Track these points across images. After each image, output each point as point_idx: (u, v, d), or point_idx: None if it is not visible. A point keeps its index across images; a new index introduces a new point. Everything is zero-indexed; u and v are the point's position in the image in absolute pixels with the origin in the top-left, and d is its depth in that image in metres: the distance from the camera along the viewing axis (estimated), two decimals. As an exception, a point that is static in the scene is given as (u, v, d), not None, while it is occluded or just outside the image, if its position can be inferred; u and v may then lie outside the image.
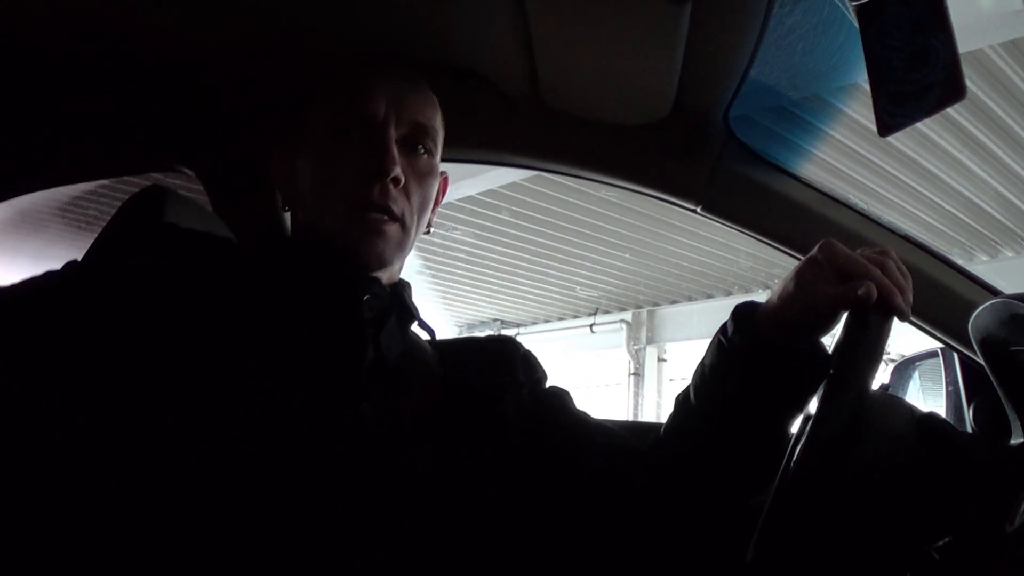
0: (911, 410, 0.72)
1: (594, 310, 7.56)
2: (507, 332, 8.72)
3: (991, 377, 0.89)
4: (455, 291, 7.14)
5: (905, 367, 1.62)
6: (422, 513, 0.70)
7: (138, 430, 0.62)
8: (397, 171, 0.76)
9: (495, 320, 8.67)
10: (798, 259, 1.08)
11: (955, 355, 1.12)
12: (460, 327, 8.98)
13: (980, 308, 0.85)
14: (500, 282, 6.79)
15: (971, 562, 0.70)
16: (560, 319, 8.10)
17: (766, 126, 1.21)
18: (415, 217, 0.81)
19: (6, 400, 0.63)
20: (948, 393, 1.20)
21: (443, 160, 0.87)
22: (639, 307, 7.32)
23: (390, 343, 0.77)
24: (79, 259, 0.74)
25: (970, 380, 1.10)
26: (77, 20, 0.83)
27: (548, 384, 0.91)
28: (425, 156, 0.83)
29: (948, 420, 0.79)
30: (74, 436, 0.62)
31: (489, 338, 0.94)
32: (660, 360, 7.52)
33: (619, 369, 8.09)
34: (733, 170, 1.05)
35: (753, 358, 0.72)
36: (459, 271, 6.44)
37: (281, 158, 0.85)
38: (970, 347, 0.92)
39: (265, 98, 1.02)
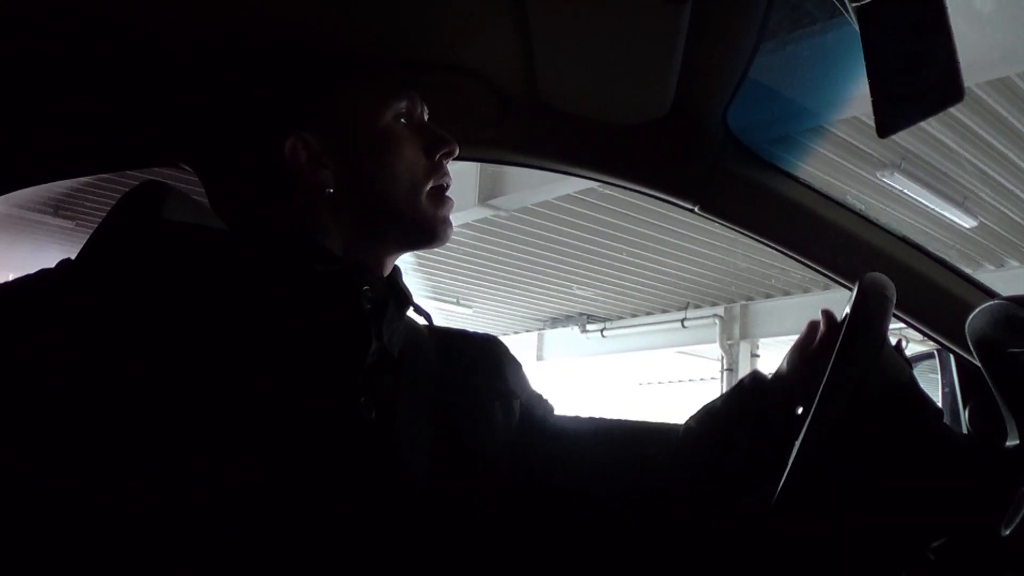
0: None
1: (685, 304, 7.35)
2: (592, 327, 8.51)
3: (987, 379, 0.90)
4: (538, 285, 6.90)
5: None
6: (419, 509, 0.70)
7: (137, 433, 0.61)
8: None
9: (581, 315, 8.37)
10: (795, 259, 1.09)
11: (951, 356, 1.12)
12: (543, 322, 8.71)
13: (977, 310, 0.85)
14: (587, 275, 6.56)
15: (967, 563, 0.70)
16: (648, 313, 7.88)
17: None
18: None
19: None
20: (944, 395, 1.20)
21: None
22: (732, 301, 7.14)
23: (392, 333, 0.77)
24: (72, 257, 0.72)
25: (966, 382, 1.10)
26: (73, 14, 0.82)
27: (536, 398, 0.93)
28: None
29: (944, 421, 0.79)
30: (73, 438, 0.60)
31: (479, 335, 0.93)
32: (753, 356, 7.39)
33: (710, 365, 7.86)
34: (731, 170, 1.05)
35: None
36: (543, 264, 6.23)
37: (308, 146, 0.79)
38: (966, 348, 0.92)
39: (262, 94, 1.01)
